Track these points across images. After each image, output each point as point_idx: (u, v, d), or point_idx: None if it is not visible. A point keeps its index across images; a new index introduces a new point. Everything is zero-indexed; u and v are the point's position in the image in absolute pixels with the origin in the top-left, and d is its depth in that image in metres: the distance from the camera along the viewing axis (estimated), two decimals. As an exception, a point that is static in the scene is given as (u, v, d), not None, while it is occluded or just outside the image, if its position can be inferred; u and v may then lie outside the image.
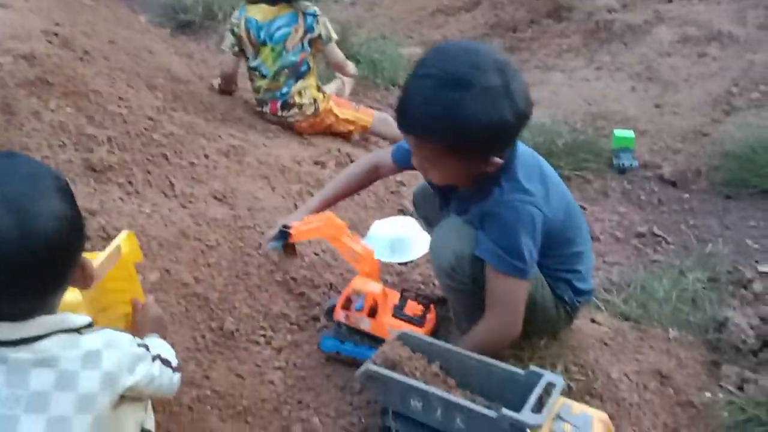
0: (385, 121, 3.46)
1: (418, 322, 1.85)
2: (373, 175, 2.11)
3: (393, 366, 1.60)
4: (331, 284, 2.22)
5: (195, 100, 3.11)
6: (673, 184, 3.25)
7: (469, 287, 1.70)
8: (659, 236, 2.81)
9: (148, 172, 2.25)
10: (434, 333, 1.87)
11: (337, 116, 3.40)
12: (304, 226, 1.99)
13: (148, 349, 1.25)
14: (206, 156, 2.50)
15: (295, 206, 2.63)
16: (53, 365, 1.05)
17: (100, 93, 2.47)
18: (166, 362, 1.31)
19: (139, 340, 1.23)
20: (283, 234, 1.99)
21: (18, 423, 1.01)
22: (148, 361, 1.24)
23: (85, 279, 1.15)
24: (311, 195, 2.73)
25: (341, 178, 2.16)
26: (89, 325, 1.13)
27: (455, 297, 1.82)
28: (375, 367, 1.59)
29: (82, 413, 1.05)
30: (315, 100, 3.33)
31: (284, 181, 2.72)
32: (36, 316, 1.06)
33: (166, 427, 1.60)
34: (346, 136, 3.47)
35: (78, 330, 1.11)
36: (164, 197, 2.19)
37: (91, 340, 1.10)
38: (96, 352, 1.09)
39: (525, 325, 1.70)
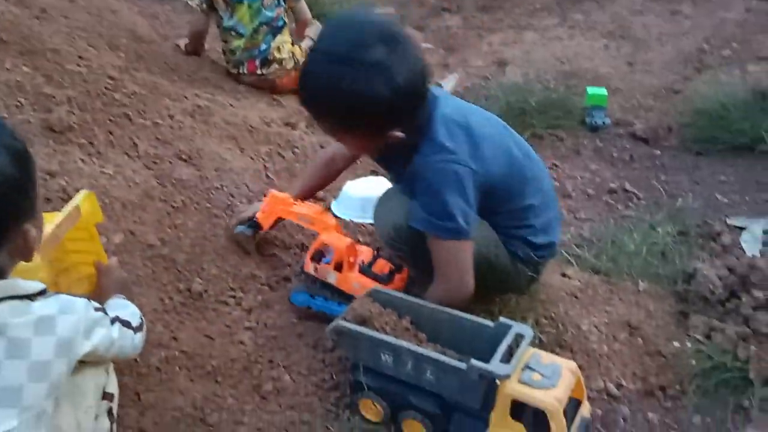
0: None
1: (384, 280, 1.84)
2: (332, 165, 2.08)
3: (363, 321, 1.60)
4: (302, 245, 2.20)
5: (159, 60, 3.01)
6: (645, 141, 3.25)
7: (412, 254, 1.72)
8: (630, 192, 2.82)
9: (110, 133, 2.18)
10: (407, 293, 1.86)
11: None
12: (261, 214, 2.01)
13: (105, 312, 1.22)
14: (171, 116, 2.43)
15: (265, 168, 2.58)
16: (2, 333, 1.00)
17: (58, 52, 2.38)
18: (125, 323, 1.28)
19: (95, 304, 1.19)
20: (254, 224, 2.02)
21: None
22: (106, 325, 1.20)
23: (25, 250, 1.08)
24: (281, 156, 2.68)
25: (308, 168, 2.16)
26: (42, 292, 1.09)
27: (406, 261, 1.85)
28: (345, 323, 1.58)
29: (36, 381, 1.02)
30: (293, 54, 3.26)
31: (253, 142, 2.67)
32: None
33: (134, 389, 1.58)
34: None
35: (30, 297, 1.06)
36: (127, 158, 2.13)
37: (43, 306, 1.06)
38: (49, 318, 1.05)
39: (486, 285, 1.70)
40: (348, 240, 1.90)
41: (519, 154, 1.74)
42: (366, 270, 1.86)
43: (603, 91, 3.46)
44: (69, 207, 1.42)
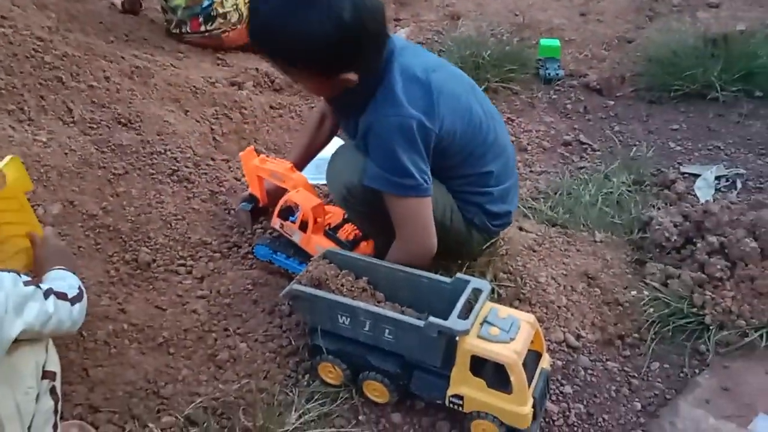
0: None
1: (348, 246, 1.79)
2: (324, 127, 2.00)
3: (319, 284, 1.55)
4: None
5: (94, 20, 2.84)
6: (599, 91, 3.24)
7: (366, 210, 1.66)
8: (585, 144, 2.81)
9: (42, 98, 2.05)
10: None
11: None
12: (248, 181, 1.96)
13: (38, 285, 1.14)
14: (107, 78, 2.30)
15: (211, 130, 2.48)
16: None
17: (-22, 12, 2.21)
18: (61, 295, 1.20)
19: (25, 278, 1.11)
20: (251, 198, 1.99)
21: None
22: (39, 299, 1.13)
23: None
24: (228, 118, 2.58)
25: (300, 133, 2.06)
26: None
27: (357, 219, 1.78)
28: (300, 287, 1.53)
29: None
30: (236, 6, 3.11)
31: (197, 104, 2.55)
32: None
33: (81, 364, 1.52)
34: None
35: None
36: (62, 124, 2.01)
37: None
38: None
39: (438, 250, 1.65)
40: (316, 200, 1.83)
41: (482, 116, 1.67)
42: (330, 234, 1.81)
43: (556, 42, 3.43)
44: None
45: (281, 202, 1.86)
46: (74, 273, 1.36)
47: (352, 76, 1.50)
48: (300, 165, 2.01)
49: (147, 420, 1.44)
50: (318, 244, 1.80)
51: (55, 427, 1.18)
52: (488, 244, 1.86)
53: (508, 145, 1.80)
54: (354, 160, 1.61)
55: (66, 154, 1.89)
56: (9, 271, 1.08)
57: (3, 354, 1.03)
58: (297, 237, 1.83)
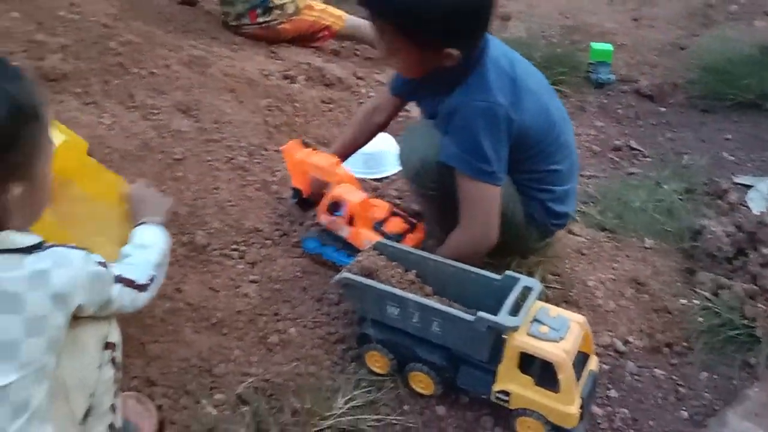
0: (358, 26, 3.34)
1: (395, 239, 1.80)
2: (372, 120, 1.99)
3: (369, 274, 1.57)
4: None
5: (152, 9, 2.92)
6: (650, 98, 3.21)
7: (438, 192, 1.66)
8: (636, 149, 2.78)
9: (106, 83, 2.12)
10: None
11: (314, 6, 3.26)
12: (291, 173, 1.96)
13: (106, 266, 1.14)
14: (167, 66, 2.36)
15: (265, 121, 2.53)
16: None
17: (49, -3, 2.30)
18: (128, 282, 1.21)
19: (98, 258, 1.12)
20: (296, 192, 2.00)
21: None
22: (105, 282, 1.14)
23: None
24: (281, 110, 2.62)
25: (349, 124, 2.04)
26: (38, 246, 1.03)
27: (425, 203, 1.78)
28: (351, 275, 1.55)
29: (33, 336, 0.98)
30: None
31: (252, 95, 2.60)
32: None
33: (139, 339, 1.57)
34: (319, 41, 3.33)
35: (23, 250, 1.00)
36: (124, 108, 2.07)
37: (37, 260, 1.01)
38: (44, 272, 1.00)
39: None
40: (362, 195, 1.86)
41: (555, 115, 1.70)
42: (378, 228, 1.83)
43: (608, 46, 3.40)
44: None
45: (327, 198, 1.88)
46: (162, 227, 1.38)
47: (455, 53, 1.51)
48: (342, 157, 2.01)
49: (200, 396, 1.48)
50: (366, 238, 1.82)
51: (115, 395, 1.22)
52: (541, 244, 1.86)
53: (574, 148, 1.82)
54: (431, 136, 1.62)
55: (128, 137, 1.95)
56: (80, 249, 1.09)
57: (67, 326, 1.05)
58: (345, 232, 1.85)
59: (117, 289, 1.17)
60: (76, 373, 1.10)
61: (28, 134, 0.97)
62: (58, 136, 1.37)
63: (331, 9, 3.36)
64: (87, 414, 1.12)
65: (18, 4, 2.19)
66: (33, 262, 1.00)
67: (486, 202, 1.61)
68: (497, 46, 1.63)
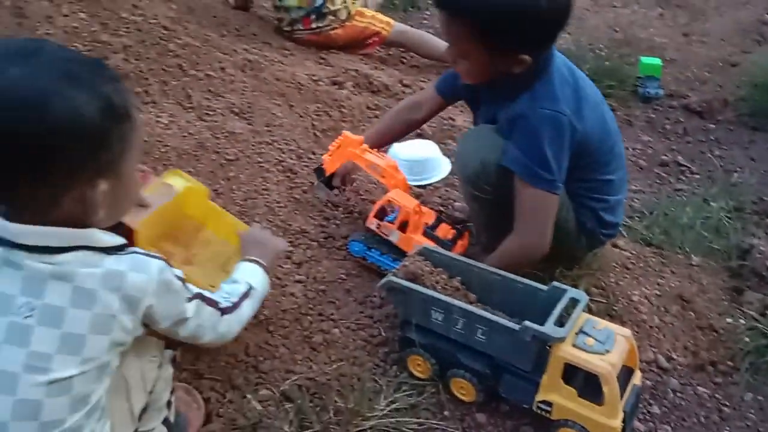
0: (405, 32, 3.38)
1: (447, 245, 1.82)
2: (413, 113, 2.00)
3: (414, 279, 1.60)
4: (349, 204, 2.19)
5: (209, 14, 3.01)
6: (699, 114, 3.16)
7: (492, 196, 1.66)
8: (683, 165, 2.75)
9: (164, 83, 2.19)
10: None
11: (365, 12, 3.32)
12: (328, 155, 1.94)
13: (184, 282, 1.14)
14: (223, 69, 2.43)
15: (313, 126, 2.58)
16: (70, 280, 0.98)
17: None
18: (210, 302, 1.21)
19: (177, 272, 1.11)
20: (320, 171, 1.98)
21: (32, 334, 0.96)
22: (179, 294, 1.12)
23: (89, 206, 1.00)
24: (328, 116, 2.67)
25: (383, 118, 2.04)
26: (121, 247, 1.05)
27: (478, 207, 1.77)
28: (397, 279, 1.58)
29: (98, 333, 0.99)
30: (345, 4, 3.23)
31: (301, 100, 2.66)
32: (58, 223, 0.97)
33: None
34: (368, 48, 3.38)
35: (105, 249, 1.02)
36: (181, 109, 2.14)
37: (116, 261, 1.02)
38: (119, 273, 1.01)
39: None
40: (415, 201, 1.88)
41: (611, 126, 1.72)
42: (429, 233, 1.85)
43: (657, 61, 3.36)
44: (157, 182, 1.45)
45: (381, 203, 1.90)
46: (264, 269, 1.43)
47: (527, 59, 1.52)
48: (374, 146, 2.00)
49: (246, 391, 1.52)
50: (417, 243, 1.83)
51: (171, 392, 1.26)
52: (590, 253, 1.86)
53: (625, 159, 1.83)
54: (493, 139, 1.63)
55: (184, 137, 2.02)
56: (160, 259, 1.09)
57: (135, 330, 1.06)
58: (395, 236, 1.86)
59: (194, 305, 1.15)
60: (137, 371, 1.12)
61: (120, 134, 1.00)
62: (181, 182, 1.48)
63: (380, 15, 3.41)
64: (144, 410, 1.15)
65: (85, 6, 2.29)
66: (111, 262, 1.02)
67: (543, 210, 1.62)
68: (556, 54, 1.65)
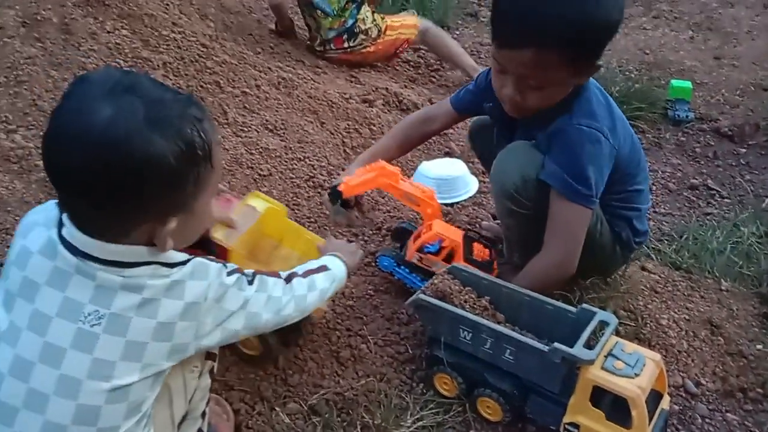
0: (429, 31, 3.43)
1: (488, 267, 1.83)
2: (425, 126, 2.01)
3: (443, 297, 1.61)
4: (377, 221, 2.22)
5: (244, 32, 3.08)
6: (730, 137, 3.14)
7: (530, 212, 1.66)
8: (713, 189, 2.74)
9: (202, 99, 2.26)
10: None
11: (393, 25, 3.36)
12: (355, 180, 1.88)
13: (243, 272, 1.17)
14: (258, 87, 2.49)
15: (343, 143, 2.62)
16: (138, 291, 1.01)
17: (155, 17, 2.46)
18: (271, 274, 1.24)
19: (232, 266, 1.15)
20: (336, 193, 1.86)
21: (97, 341, 0.99)
22: (240, 285, 1.14)
23: (158, 240, 1.03)
24: (358, 133, 2.71)
25: (394, 130, 2.04)
26: (186, 262, 1.07)
27: (515, 223, 1.75)
28: (425, 297, 1.59)
29: (159, 341, 1.03)
30: (375, 22, 3.29)
31: (332, 117, 2.71)
32: (131, 243, 1.01)
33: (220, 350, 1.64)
34: (398, 56, 3.43)
35: (172, 265, 1.05)
36: (218, 125, 2.20)
37: (178, 272, 1.05)
38: (180, 283, 1.04)
39: (580, 262, 1.68)
40: (459, 231, 1.87)
41: (636, 139, 1.75)
42: (469, 258, 1.84)
43: (688, 84, 3.35)
44: (240, 205, 1.53)
45: (424, 240, 1.84)
46: (343, 262, 1.47)
47: (600, 64, 1.54)
48: (384, 159, 1.95)
49: (275, 404, 1.55)
50: None
51: (207, 402, 1.28)
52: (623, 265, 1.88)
53: (646, 164, 1.87)
54: (533, 153, 1.64)
55: (220, 152, 2.07)
56: (218, 262, 1.13)
57: (197, 337, 1.08)
58: (438, 267, 1.81)
59: (257, 281, 1.18)
60: (180, 379, 1.15)
61: (195, 175, 1.02)
62: (262, 204, 1.56)
63: (407, 20, 3.44)
64: (183, 418, 1.19)
65: (127, 23, 2.37)
66: (175, 273, 1.05)
67: (576, 225, 1.63)
68: None
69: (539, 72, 1.51)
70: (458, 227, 2.03)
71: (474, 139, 2.09)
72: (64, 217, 1.02)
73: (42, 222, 1.05)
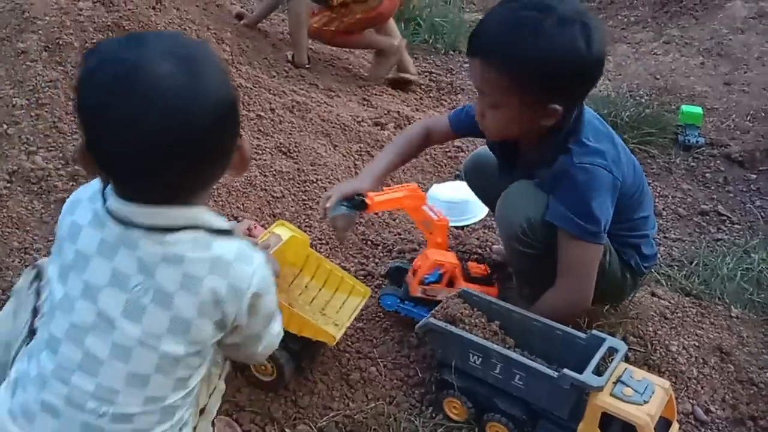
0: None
1: (488, 281, 1.85)
2: (425, 141, 2.01)
3: (453, 321, 1.62)
4: (388, 243, 2.24)
5: (259, 55, 3.14)
6: (740, 163, 3.14)
7: (540, 253, 1.65)
8: (723, 215, 2.74)
9: (218, 123, 2.30)
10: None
11: None
12: (383, 196, 1.83)
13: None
14: (272, 110, 2.54)
15: (355, 165, 2.65)
16: (179, 264, 1.02)
17: (173, 42, 2.52)
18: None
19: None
20: (361, 203, 1.74)
21: (145, 312, 1.03)
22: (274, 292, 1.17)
23: (243, 162, 1.14)
24: (370, 155, 2.74)
25: (397, 142, 2.03)
26: (228, 232, 1.08)
27: (523, 262, 1.75)
28: (436, 321, 1.61)
29: (203, 317, 1.05)
30: None
31: (345, 140, 2.74)
32: (175, 204, 1.03)
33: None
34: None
35: (214, 231, 1.06)
36: (233, 147, 2.24)
37: (223, 247, 1.06)
38: (226, 262, 1.05)
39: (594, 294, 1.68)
40: (451, 253, 1.89)
41: (637, 165, 1.76)
42: (471, 277, 1.87)
43: (698, 109, 3.36)
44: (266, 233, 1.61)
45: (424, 272, 1.84)
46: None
47: (558, 108, 1.51)
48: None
49: (285, 425, 1.56)
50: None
51: (219, 409, 1.30)
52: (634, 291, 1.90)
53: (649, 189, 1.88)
54: (537, 194, 1.64)
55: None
56: (261, 252, 1.14)
57: (242, 318, 1.09)
58: (443, 294, 1.81)
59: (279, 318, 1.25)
60: (206, 370, 1.16)
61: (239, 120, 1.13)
62: (286, 232, 1.63)
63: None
64: (200, 414, 1.21)
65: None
66: (219, 247, 1.06)
67: (587, 263, 1.63)
68: (586, 109, 1.66)
69: (487, 86, 1.56)
70: (448, 249, 1.97)
71: (470, 180, 2.10)
72: (108, 189, 1.05)
73: (87, 197, 1.09)
